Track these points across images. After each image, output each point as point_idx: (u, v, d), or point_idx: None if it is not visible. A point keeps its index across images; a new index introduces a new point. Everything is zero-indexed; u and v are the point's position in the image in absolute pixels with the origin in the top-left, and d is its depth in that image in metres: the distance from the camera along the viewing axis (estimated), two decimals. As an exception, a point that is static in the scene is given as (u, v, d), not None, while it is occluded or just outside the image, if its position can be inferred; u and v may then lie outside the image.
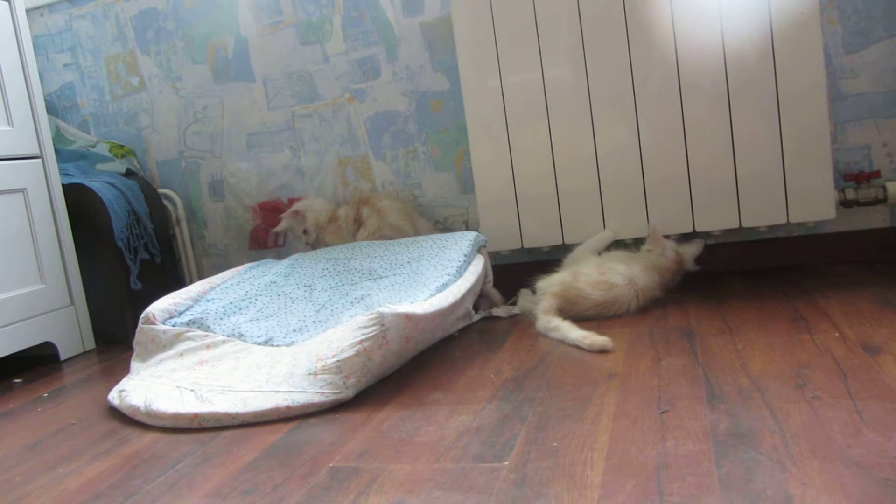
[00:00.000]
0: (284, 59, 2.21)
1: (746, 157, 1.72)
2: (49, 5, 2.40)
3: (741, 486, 0.80)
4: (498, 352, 1.46)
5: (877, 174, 1.79)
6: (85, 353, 1.98)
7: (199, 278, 2.39)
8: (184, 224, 2.36)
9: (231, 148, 2.32)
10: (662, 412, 1.04)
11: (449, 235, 1.80)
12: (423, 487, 0.90)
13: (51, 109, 2.44)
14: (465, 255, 1.67)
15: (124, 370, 1.72)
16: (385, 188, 2.17)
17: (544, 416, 1.09)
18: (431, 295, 1.49)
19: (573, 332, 1.44)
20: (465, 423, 1.10)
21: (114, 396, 1.41)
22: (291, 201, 2.27)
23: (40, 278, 1.92)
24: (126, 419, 1.34)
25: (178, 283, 2.35)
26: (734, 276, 1.83)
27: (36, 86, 1.97)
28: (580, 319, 1.57)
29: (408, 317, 1.31)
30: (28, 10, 2.34)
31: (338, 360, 1.26)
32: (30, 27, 2.23)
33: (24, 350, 1.85)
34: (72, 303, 1.99)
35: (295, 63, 2.20)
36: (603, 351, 1.37)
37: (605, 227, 1.83)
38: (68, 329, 1.96)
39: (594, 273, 1.62)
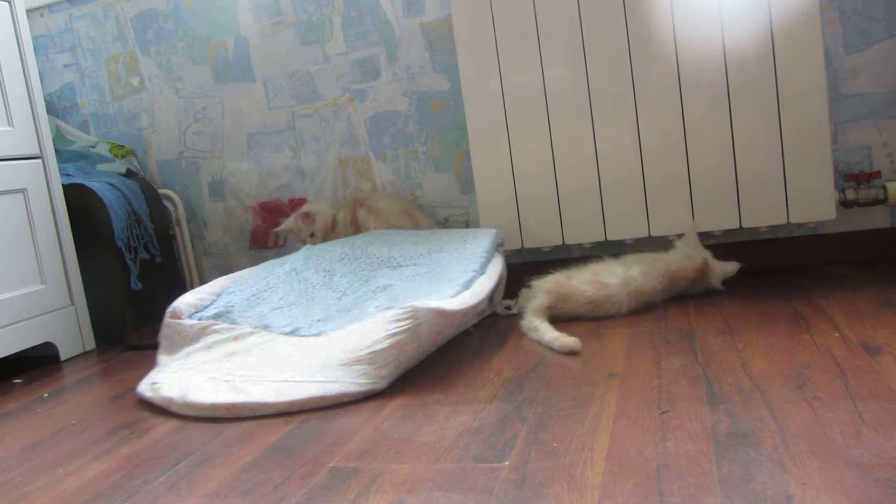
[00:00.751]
0: (285, 59, 2.21)
1: (747, 158, 1.72)
2: (49, 5, 2.40)
3: (741, 487, 0.80)
4: (498, 352, 1.46)
5: (877, 174, 1.78)
6: (85, 354, 1.98)
7: (200, 278, 2.40)
8: (184, 224, 2.36)
9: (231, 148, 2.32)
10: (663, 412, 1.04)
11: (468, 231, 1.81)
12: (424, 487, 0.90)
13: (51, 110, 2.44)
14: (487, 252, 1.68)
15: (125, 370, 1.72)
16: (385, 188, 2.17)
17: (544, 416, 1.09)
18: (459, 291, 1.50)
19: (548, 334, 1.45)
20: (465, 423, 1.10)
21: (145, 389, 1.42)
22: (292, 202, 2.28)
23: (40, 278, 1.92)
24: (126, 418, 1.34)
25: (179, 283, 2.35)
26: (734, 277, 1.83)
27: (36, 86, 1.97)
28: (575, 319, 1.58)
29: (440, 312, 1.34)
30: (28, 11, 2.34)
31: (371, 352, 1.29)
32: (30, 27, 2.23)
33: (24, 350, 1.85)
34: (72, 303, 1.99)
35: (295, 63, 2.20)
36: (572, 353, 1.38)
37: (605, 226, 1.83)
38: (68, 329, 1.96)
39: (587, 273, 1.65)
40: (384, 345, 1.29)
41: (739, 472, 0.83)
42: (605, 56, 1.77)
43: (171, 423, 1.28)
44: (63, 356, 1.93)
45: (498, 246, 1.80)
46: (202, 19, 2.27)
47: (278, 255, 2.32)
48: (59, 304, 1.95)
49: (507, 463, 0.94)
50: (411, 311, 1.31)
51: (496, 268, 1.69)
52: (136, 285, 2.09)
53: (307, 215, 2.07)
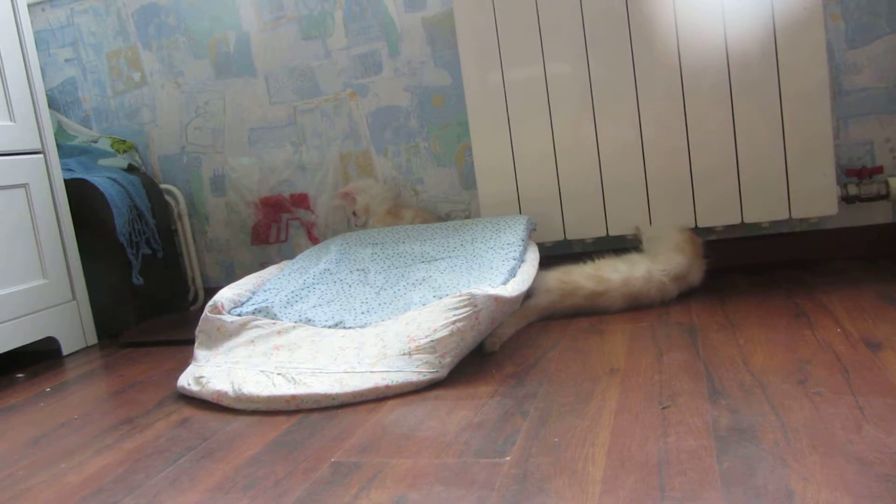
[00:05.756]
0: (286, 54, 2.21)
1: (748, 153, 1.72)
2: (50, 0, 2.40)
3: (742, 482, 0.80)
4: (499, 347, 1.46)
5: (879, 170, 1.78)
6: (87, 349, 1.99)
7: (202, 274, 2.40)
8: (185, 219, 2.36)
9: (233, 143, 2.32)
10: (664, 407, 1.04)
11: (500, 219, 1.80)
12: (425, 482, 0.91)
13: (52, 104, 2.44)
14: (523, 241, 1.68)
15: (127, 365, 1.73)
16: (387, 184, 2.17)
17: (546, 411, 1.09)
18: (506, 279, 1.51)
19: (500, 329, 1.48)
20: (466, 418, 1.10)
21: (189, 383, 1.41)
22: (293, 196, 2.28)
23: (42, 273, 1.92)
24: (128, 413, 1.35)
25: (181, 278, 2.35)
26: (736, 272, 1.83)
27: (38, 81, 1.97)
28: (576, 315, 1.60)
29: (497, 299, 1.35)
30: (30, 5, 2.34)
31: (432, 340, 1.30)
32: (31, 22, 2.23)
33: (26, 345, 1.85)
34: (74, 298, 1.99)
35: (296, 58, 2.20)
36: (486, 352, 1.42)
37: (607, 221, 1.83)
38: (71, 324, 1.97)
39: (588, 268, 1.66)
40: (444, 332, 1.30)
41: (740, 467, 0.84)
42: (608, 51, 1.77)
43: (173, 418, 1.29)
44: (65, 351, 1.94)
45: (531, 231, 1.80)
46: (203, 14, 2.27)
47: (280, 251, 2.32)
48: (61, 299, 1.96)
49: (508, 458, 0.94)
50: (469, 299, 1.32)
51: (534, 255, 1.69)
52: (137, 280, 2.09)
53: (347, 194, 2.09)
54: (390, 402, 1.22)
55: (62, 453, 1.19)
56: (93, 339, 2.03)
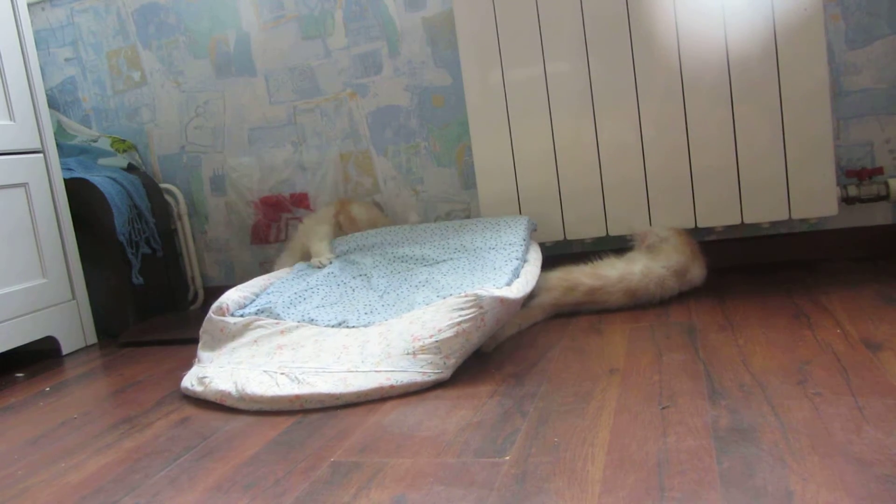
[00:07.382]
0: (286, 53, 2.21)
1: (749, 153, 1.72)
2: (50, 0, 2.40)
3: (742, 482, 0.80)
4: (499, 347, 1.46)
5: (879, 171, 1.78)
6: (87, 348, 1.99)
7: (201, 273, 2.40)
8: (185, 219, 2.36)
9: (233, 143, 2.32)
10: (663, 408, 1.04)
11: (500, 219, 1.80)
12: (425, 482, 0.91)
13: (52, 104, 2.44)
14: (524, 240, 1.68)
15: (126, 364, 1.73)
16: (387, 183, 2.17)
17: (545, 411, 1.09)
18: (510, 279, 1.50)
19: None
20: (466, 417, 1.10)
21: (192, 384, 1.40)
22: (293, 196, 2.28)
23: (42, 273, 1.92)
24: (127, 412, 1.35)
25: (181, 278, 2.35)
26: (736, 273, 1.83)
27: (37, 80, 1.97)
28: (578, 313, 1.59)
29: (503, 300, 1.34)
30: (29, 5, 2.34)
31: (437, 341, 1.29)
32: (31, 21, 2.23)
33: (26, 344, 1.85)
34: (73, 297, 1.99)
35: (296, 58, 2.20)
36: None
37: (607, 221, 1.83)
38: (70, 324, 1.97)
39: (587, 266, 1.67)
40: (450, 333, 1.29)
41: (740, 467, 0.84)
42: (608, 51, 1.77)
43: (173, 417, 1.29)
44: (64, 350, 1.94)
45: (531, 231, 1.80)
46: (203, 14, 2.27)
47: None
48: (61, 299, 1.96)
49: (507, 458, 0.94)
50: (475, 300, 1.31)
51: (536, 255, 1.69)
52: (137, 280, 2.09)
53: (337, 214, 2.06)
54: (390, 402, 1.22)
55: (62, 453, 1.19)
56: (92, 338, 2.03)
